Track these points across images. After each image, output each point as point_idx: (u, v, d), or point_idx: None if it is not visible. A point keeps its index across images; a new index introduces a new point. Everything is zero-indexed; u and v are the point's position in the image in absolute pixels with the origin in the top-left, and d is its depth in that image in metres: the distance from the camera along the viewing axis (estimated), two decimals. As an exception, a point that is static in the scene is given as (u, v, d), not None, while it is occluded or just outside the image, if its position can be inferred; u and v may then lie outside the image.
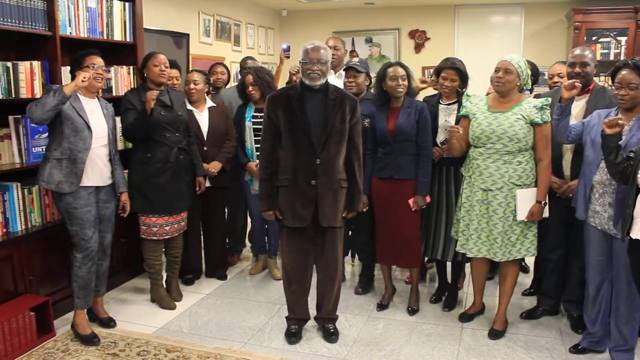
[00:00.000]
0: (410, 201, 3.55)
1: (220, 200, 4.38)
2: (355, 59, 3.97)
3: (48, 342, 3.35)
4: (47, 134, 3.35)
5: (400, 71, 3.54)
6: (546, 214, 3.24)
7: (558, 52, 7.42)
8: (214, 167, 4.10)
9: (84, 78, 3.12)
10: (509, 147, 3.18)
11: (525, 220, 3.20)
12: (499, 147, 3.20)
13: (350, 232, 4.23)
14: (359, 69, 3.84)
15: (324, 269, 3.35)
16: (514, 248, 3.27)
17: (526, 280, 4.29)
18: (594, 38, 6.84)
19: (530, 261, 4.39)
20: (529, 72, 3.29)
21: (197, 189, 3.95)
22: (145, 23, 4.42)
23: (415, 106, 3.56)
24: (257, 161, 3.84)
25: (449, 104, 3.64)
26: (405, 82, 3.54)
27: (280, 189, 3.22)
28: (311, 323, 3.53)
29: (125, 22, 4.19)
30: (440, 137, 3.64)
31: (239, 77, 4.77)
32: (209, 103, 4.21)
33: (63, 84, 3.31)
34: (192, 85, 4.08)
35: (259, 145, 3.47)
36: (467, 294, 4.10)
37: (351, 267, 4.76)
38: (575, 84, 2.99)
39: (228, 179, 4.35)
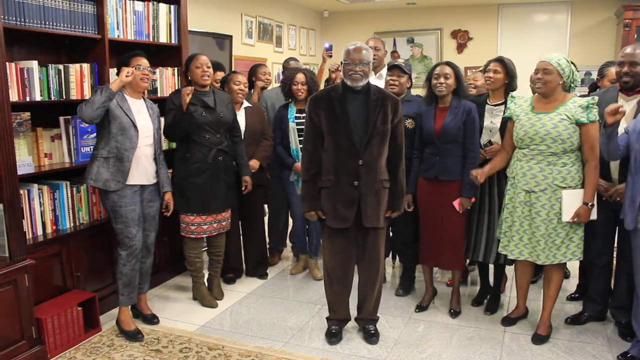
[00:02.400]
0: (455, 203, 3.51)
1: (259, 199, 4.43)
2: (400, 60, 3.94)
3: (94, 337, 3.44)
4: (95, 133, 3.45)
5: (445, 70, 3.49)
6: (594, 216, 3.14)
7: (606, 52, 7.23)
8: (253, 164, 4.17)
9: (128, 73, 3.20)
10: (553, 148, 3.11)
11: (570, 221, 3.12)
12: (543, 149, 3.14)
13: (391, 234, 4.20)
14: (404, 69, 3.80)
15: (366, 269, 3.34)
16: (559, 252, 3.20)
17: (568, 285, 4.20)
18: (645, 36, 6.64)
19: (571, 265, 4.28)
20: (573, 69, 3.21)
21: (244, 188, 4.01)
22: (189, 25, 4.49)
23: (463, 107, 3.49)
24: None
25: (495, 105, 3.60)
26: (449, 81, 3.48)
27: (322, 190, 3.22)
28: (351, 324, 3.53)
29: (170, 25, 4.27)
30: (484, 138, 3.59)
31: (282, 77, 4.79)
32: (245, 103, 4.29)
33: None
34: (242, 87, 4.17)
35: None
36: (509, 297, 4.03)
37: (392, 268, 4.74)
38: (620, 109, 2.85)
39: (265, 177, 4.40)
